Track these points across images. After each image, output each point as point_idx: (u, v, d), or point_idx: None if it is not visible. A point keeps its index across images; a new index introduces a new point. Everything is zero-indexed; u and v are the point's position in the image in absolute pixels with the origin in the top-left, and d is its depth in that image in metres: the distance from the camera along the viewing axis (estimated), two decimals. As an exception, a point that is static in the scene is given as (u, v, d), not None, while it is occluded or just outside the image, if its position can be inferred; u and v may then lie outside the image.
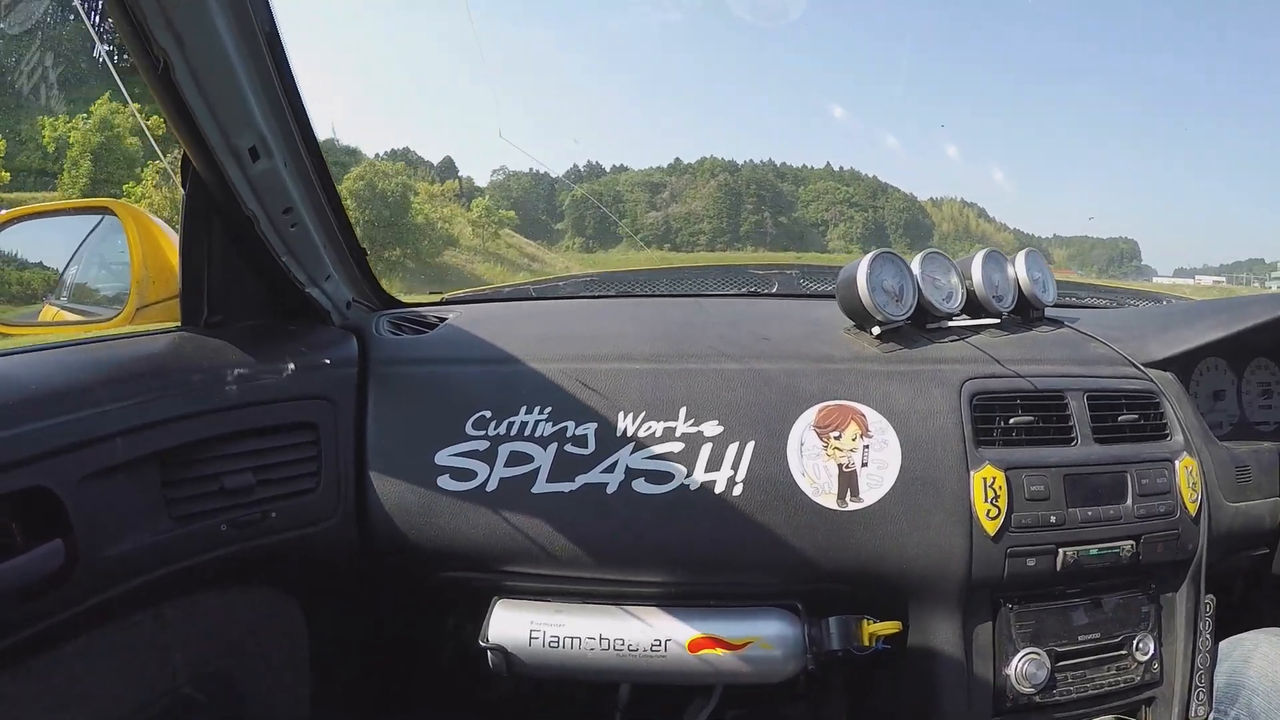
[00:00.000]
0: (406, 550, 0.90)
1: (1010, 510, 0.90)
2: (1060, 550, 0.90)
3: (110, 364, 0.82)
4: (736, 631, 0.88)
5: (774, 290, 1.24)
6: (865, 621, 0.90)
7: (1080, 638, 0.95)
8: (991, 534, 0.89)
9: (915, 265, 1.01)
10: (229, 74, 0.73)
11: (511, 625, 0.88)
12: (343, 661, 1.04)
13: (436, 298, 1.23)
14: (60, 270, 1.21)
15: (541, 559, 0.88)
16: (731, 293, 1.23)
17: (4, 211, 1.02)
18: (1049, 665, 0.93)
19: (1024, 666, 0.93)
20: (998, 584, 0.92)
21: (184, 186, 0.89)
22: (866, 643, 0.91)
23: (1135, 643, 0.96)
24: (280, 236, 0.90)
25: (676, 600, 0.92)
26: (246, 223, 0.87)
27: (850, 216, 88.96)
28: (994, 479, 0.90)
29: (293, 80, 0.83)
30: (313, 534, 0.88)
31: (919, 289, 1.00)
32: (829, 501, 0.89)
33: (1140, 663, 0.96)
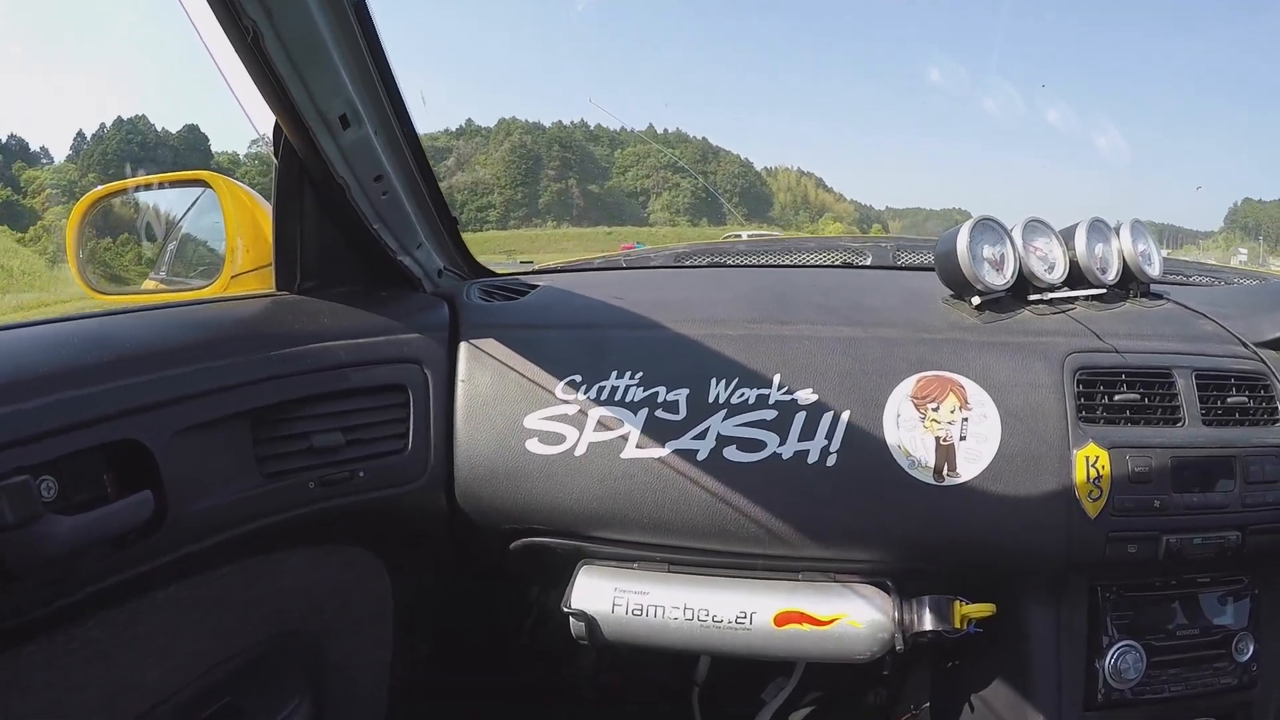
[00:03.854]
0: (492, 513, 0.90)
1: (1112, 491, 0.85)
2: (1164, 537, 0.86)
3: (204, 325, 0.84)
4: (824, 607, 0.86)
5: (868, 262, 1.20)
6: (958, 603, 0.87)
7: (1178, 633, 0.91)
8: (1092, 516, 0.85)
9: (1017, 234, 0.96)
10: (318, 42, 0.73)
11: (595, 592, 0.88)
12: (425, 624, 1.05)
13: (527, 269, 1.23)
14: (159, 243, 1.24)
15: (628, 525, 0.87)
16: (825, 264, 1.20)
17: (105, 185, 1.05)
18: (1145, 660, 0.88)
19: (1119, 660, 0.88)
20: (1096, 569, 0.88)
21: (276, 156, 0.90)
22: (958, 625, 0.87)
23: (1235, 642, 0.91)
24: (371, 204, 0.91)
25: (762, 573, 0.90)
26: (338, 190, 0.87)
27: (676, 184, 77.89)
28: (1097, 458, 0.86)
29: (380, 48, 0.84)
30: (400, 495, 0.88)
31: (1020, 258, 0.95)
32: (925, 476, 0.85)
33: (1238, 664, 0.91)
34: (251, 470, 0.81)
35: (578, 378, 0.89)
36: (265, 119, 0.87)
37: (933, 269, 1.01)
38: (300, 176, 0.90)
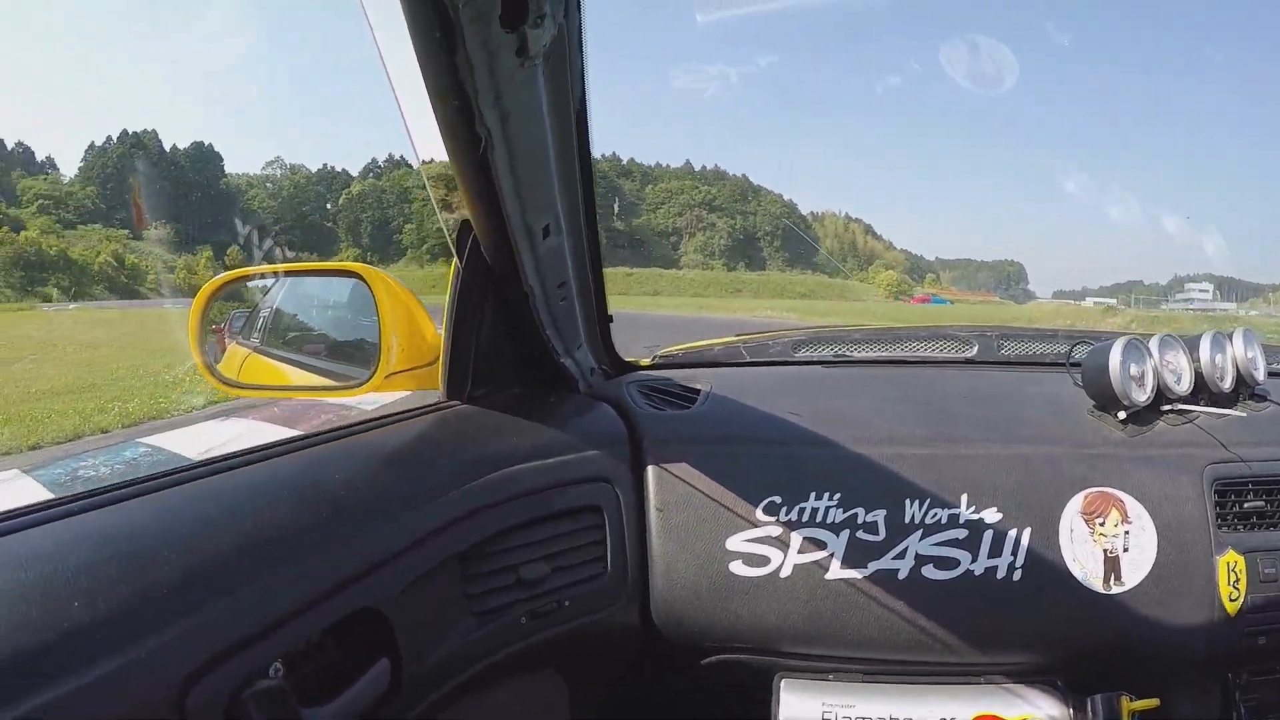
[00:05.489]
0: (693, 633, 0.91)
1: (1248, 592, 0.95)
2: None
3: (402, 456, 0.81)
4: (1012, 709, 0.92)
5: (974, 353, 1.26)
6: (1125, 699, 0.95)
7: None
8: (1232, 615, 0.94)
9: (1154, 348, 1.05)
10: (541, 152, 0.71)
11: (804, 706, 0.91)
12: None
13: (649, 360, 1.23)
14: (308, 328, 1.19)
15: (831, 641, 0.91)
16: (942, 357, 1.25)
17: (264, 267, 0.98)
18: None
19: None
20: (1235, 660, 0.97)
21: (460, 260, 0.87)
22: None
23: None
24: (549, 310, 0.90)
25: (944, 678, 0.95)
26: (522, 297, 0.85)
27: (711, 223, 71.13)
28: (1235, 563, 0.95)
29: (590, 156, 0.82)
30: (600, 619, 0.89)
31: (1158, 373, 1.04)
32: (1096, 585, 0.93)
33: None
34: (465, 611, 0.79)
35: (777, 499, 0.91)
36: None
37: (1045, 364, 1.09)
38: (485, 282, 0.88)
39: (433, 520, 0.75)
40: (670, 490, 0.93)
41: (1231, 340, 1.11)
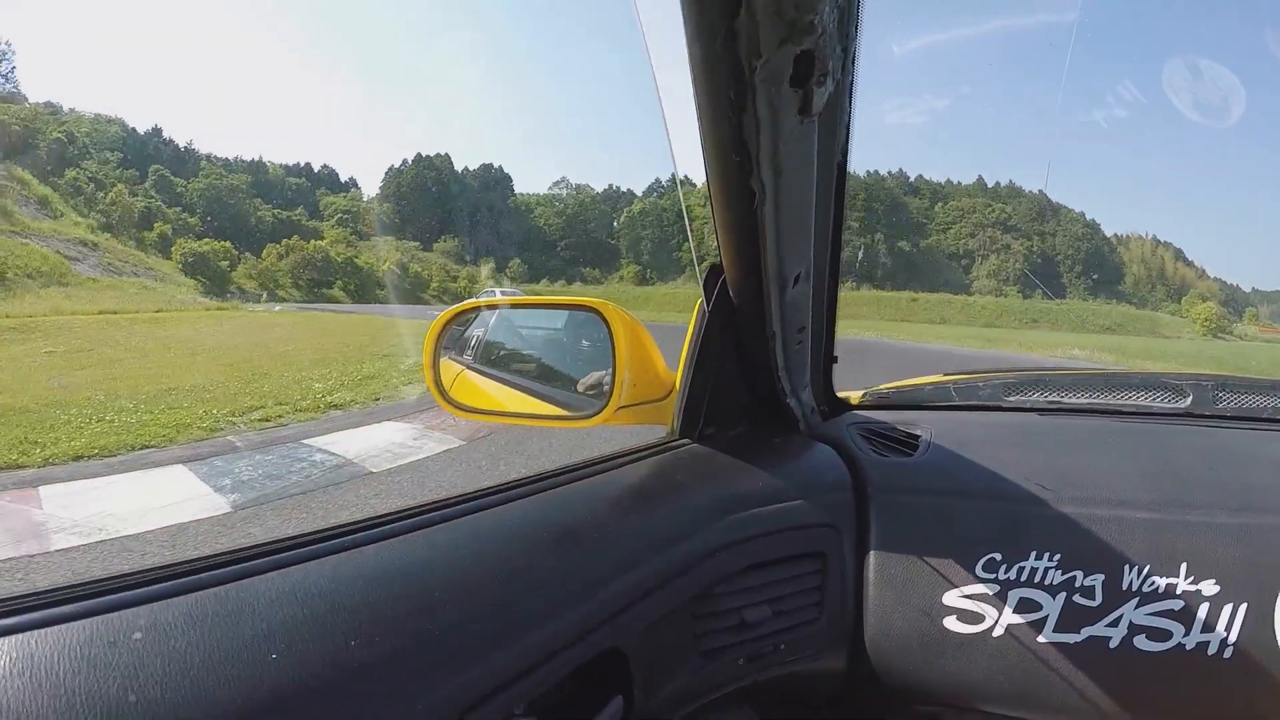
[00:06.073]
0: (899, 683, 0.90)
1: None
2: None
3: (644, 496, 0.81)
4: None
5: (1189, 404, 1.20)
6: None
7: None
8: None
9: None
10: (805, 205, 0.70)
11: None
12: None
13: (859, 396, 1.20)
14: (530, 360, 1.18)
15: (1034, 705, 0.89)
16: (1159, 409, 1.20)
17: (517, 295, 0.95)
18: None
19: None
20: None
21: (708, 302, 0.86)
22: None
23: None
24: (786, 353, 0.89)
25: None
26: (762, 340, 0.85)
27: (1006, 245, 64.81)
28: None
29: (843, 203, 0.80)
30: (810, 666, 0.87)
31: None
32: None
33: None
34: (690, 651, 0.79)
35: (997, 555, 0.88)
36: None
37: (1270, 420, 1.07)
38: (729, 325, 0.87)
39: (675, 562, 0.74)
40: (892, 539, 0.91)
41: None
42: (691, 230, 0.85)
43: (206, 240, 49.43)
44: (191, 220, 55.26)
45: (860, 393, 1.22)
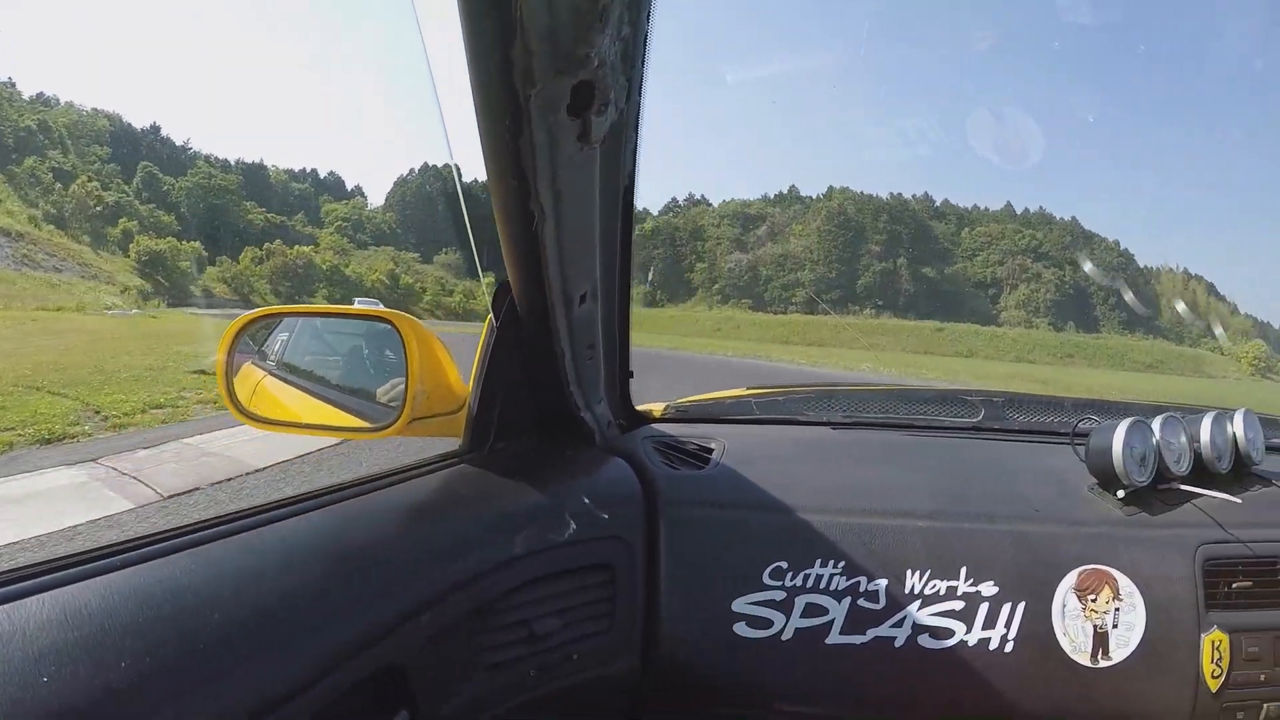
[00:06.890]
0: (694, 687, 0.96)
1: (1230, 670, 0.99)
2: (1264, 705, 1.00)
3: (426, 510, 0.83)
4: None
5: (980, 419, 1.29)
6: None
7: None
8: (1214, 691, 0.98)
9: (1156, 428, 1.08)
10: (589, 228, 0.74)
11: None
12: None
13: (661, 410, 1.25)
14: (333, 369, 1.20)
15: (826, 703, 0.95)
16: (949, 423, 1.28)
17: (301, 305, 1.02)
18: None
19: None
20: None
21: (495, 317, 0.90)
22: None
23: None
24: (577, 369, 0.93)
25: None
26: (552, 358, 0.89)
27: (1036, 274, 61.57)
28: (1220, 642, 0.99)
29: (631, 227, 0.84)
30: (603, 675, 0.92)
31: (1160, 454, 1.07)
32: (1084, 659, 0.97)
33: None
34: (478, 664, 0.81)
35: (784, 564, 0.95)
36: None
37: (1052, 433, 1.12)
38: (516, 342, 0.91)
39: (456, 576, 0.77)
40: (681, 550, 0.96)
41: (1232, 421, 1.14)
42: (475, 244, 0.87)
43: (168, 239, 47.00)
44: (166, 218, 53.04)
45: (663, 406, 1.28)
